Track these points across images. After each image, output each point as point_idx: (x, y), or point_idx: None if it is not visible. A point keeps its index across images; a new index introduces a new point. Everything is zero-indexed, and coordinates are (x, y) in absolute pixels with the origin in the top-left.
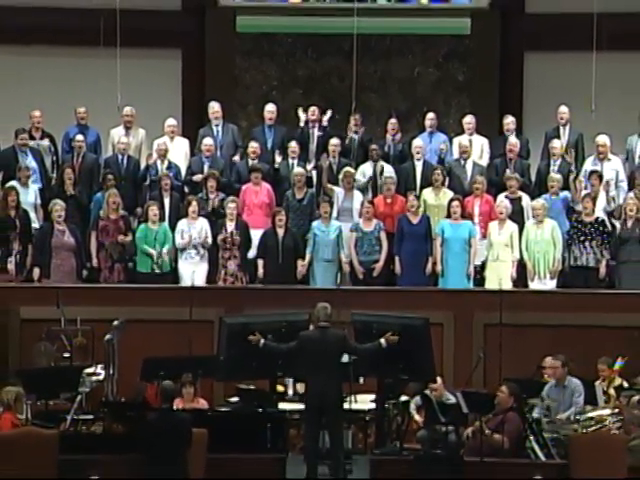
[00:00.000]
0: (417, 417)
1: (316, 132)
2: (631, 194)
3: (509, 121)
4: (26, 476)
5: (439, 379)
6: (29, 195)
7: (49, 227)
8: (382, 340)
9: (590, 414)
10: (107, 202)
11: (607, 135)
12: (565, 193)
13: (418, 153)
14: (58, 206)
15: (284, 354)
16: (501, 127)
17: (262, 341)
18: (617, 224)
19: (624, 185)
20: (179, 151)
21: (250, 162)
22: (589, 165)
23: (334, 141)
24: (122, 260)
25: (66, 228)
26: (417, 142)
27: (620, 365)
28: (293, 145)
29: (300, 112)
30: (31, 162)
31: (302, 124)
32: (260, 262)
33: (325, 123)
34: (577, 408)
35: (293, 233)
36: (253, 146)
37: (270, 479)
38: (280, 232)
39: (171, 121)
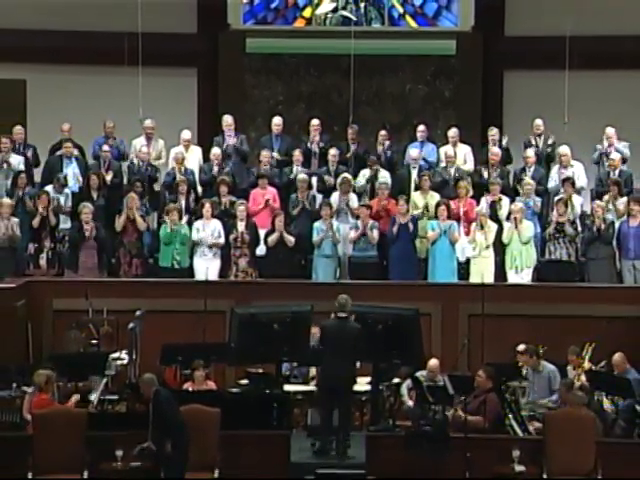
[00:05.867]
0: (408, 401)
1: (315, 146)
2: (598, 201)
3: (494, 132)
4: (59, 449)
5: (436, 360)
6: (62, 199)
7: (78, 227)
8: None
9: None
10: (127, 204)
11: (568, 145)
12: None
13: (414, 161)
14: (86, 208)
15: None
16: (483, 137)
17: None
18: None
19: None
20: (193, 158)
21: (261, 169)
22: (555, 172)
23: (332, 151)
24: (140, 256)
25: (93, 228)
26: (413, 153)
27: (588, 354)
28: (297, 153)
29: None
30: (75, 168)
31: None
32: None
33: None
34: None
35: (297, 233)
36: (265, 155)
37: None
38: (283, 232)
39: (186, 135)
